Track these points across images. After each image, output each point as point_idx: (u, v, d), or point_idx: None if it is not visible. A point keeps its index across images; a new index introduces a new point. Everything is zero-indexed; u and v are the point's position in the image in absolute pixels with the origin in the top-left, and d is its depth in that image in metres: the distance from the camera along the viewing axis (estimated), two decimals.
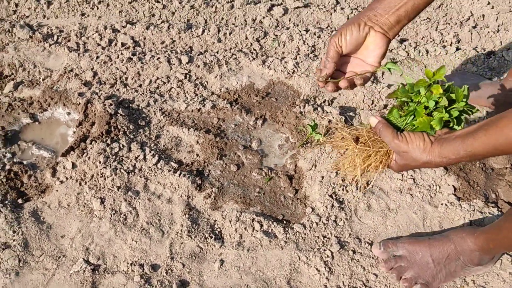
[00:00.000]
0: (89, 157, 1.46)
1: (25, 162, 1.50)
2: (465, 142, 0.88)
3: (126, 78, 1.71)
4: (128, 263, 1.31)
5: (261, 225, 1.36)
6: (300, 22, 1.94)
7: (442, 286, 1.26)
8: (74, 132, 1.58)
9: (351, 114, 1.62)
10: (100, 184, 1.44)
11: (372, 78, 1.70)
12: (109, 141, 1.49)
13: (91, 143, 1.49)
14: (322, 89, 1.65)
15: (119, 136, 1.52)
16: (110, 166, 1.45)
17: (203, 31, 1.85)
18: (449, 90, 0.99)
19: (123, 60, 1.73)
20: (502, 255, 1.30)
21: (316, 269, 1.28)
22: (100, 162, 1.45)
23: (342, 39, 1.05)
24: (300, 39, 1.84)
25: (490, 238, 1.16)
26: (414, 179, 1.44)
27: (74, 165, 1.46)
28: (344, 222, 1.38)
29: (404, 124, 1.01)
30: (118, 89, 1.68)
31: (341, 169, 1.14)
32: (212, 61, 1.76)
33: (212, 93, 1.70)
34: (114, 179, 1.44)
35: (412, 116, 1.00)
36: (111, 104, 1.57)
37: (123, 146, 1.49)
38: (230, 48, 1.83)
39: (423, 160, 0.93)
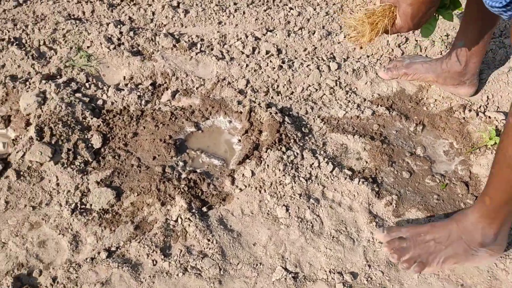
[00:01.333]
0: (267, 165, 1.47)
1: (198, 171, 1.52)
2: None
3: (278, 86, 1.73)
4: (325, 271, 1.32)
5: None
6: (437, 28, 1.95)
7: (443, 268, 1.26)
8: (240, 140, 1.59)
9: None
10: (280, 192, 1.45)
11: None
12: (284, 149, 1.50)
13: (266, 151, 1.50)
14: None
15: (290, 144, 1.53)
16: (289, 174, 1.46)
17: (344, 37, 1.86)
18: None
19: (273, 68, 1.74)
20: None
21: None
22: (279, 170, 1.46)
23: None
24: (441, 45, 1.85)
25: (484, 193, 1.16)
26: None
27: (253, 173, 1.47)
28: None
29: None
30: (272, 97, 1.70)
31: (350, 30, 1.34)
32: (359, 68, 1.77)
33: (365, 99, 1.71)
34: (294, 187, 1.45)
35: None
36: (276, 112, 1.58)
37: (297, 153, 1.51)
38: (372, 54, 1.84)
39: None
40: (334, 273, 1.31)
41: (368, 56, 1.83)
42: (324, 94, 1.71)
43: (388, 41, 1.86)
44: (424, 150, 1.58)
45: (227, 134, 1.63)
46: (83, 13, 1.93)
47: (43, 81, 1.64)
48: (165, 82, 1.72)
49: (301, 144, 1.54)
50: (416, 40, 1.86)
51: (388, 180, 1.50)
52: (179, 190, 1.44)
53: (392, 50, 1.85)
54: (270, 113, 1.58)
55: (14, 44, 1.77)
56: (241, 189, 1.46)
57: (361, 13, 1.31)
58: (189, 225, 1.38)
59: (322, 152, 1.54)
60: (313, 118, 1.63)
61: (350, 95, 1.71)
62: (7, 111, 1.63)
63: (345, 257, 1.34)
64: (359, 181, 1.46)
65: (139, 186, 1.45)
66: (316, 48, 1.85)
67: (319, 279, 1.31)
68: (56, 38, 1.82)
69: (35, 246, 1.33)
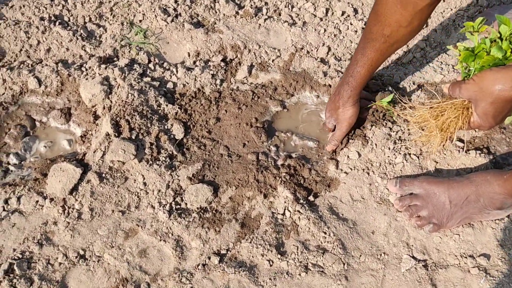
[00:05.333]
0: (375, 144, 1.33)
1: (293, 155, 1.37)
2: None
3: None
4: (455, 256, 1.22)
5: None
6: None
7: (456, 227, 1.22)
8: None
9: None
10: (390, 172, 1.32)
11: None
12: (390, 125, 1.35)
13: (370, 129, 1.35)
14: None
15: (394, 118, 1.38)
16: (399, 152, 1.32)
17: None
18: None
19: (355, 31, 1.55)
20: None
21: None
22: (389, 149, 1.32)
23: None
24: None
25: None
26: None
27: (359, 154, 1.33)
28: None
29: (473, 73, 1.01)
30: None
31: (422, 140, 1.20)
32: (448, 24, 1.59)
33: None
34: (405, 165, 1.32)
35: (477, 64, 1.00)
36: (374, 84, 1.42)
37: (404, 128, 1.36)
38: (456, 7, 1.66)
39: (496, 89, 0.91)
40: (465, 257, 1.21)
41: (451, 9, 1.65)
42: (415, 56, 1.54)
43: None
44: None
45: (314, 111, 1.47)
46: None
47: (102, 66, 1.44)
48: (236, 56, 1.53)
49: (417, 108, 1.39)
50: None
51: (501, 148, 1.38)
52: (280, 179, 1.29)
53: (477, 1, 1.66)
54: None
55: (57, 23, 1.54)
56: (346, 173, 1.33)
57: (424, 110, 1.09)
58: (299, 218, 1.25)
59: None
60: (409, 85, 1.47)
61: (441, 56, 1.55)
62: (65, 103, 1.44)
63: (476, 239, 1.24)
64: (475, 153, 1.33)
65: (235, 178, 1.31)
66: None
67: (451, 265, 1.20)
68: (103, 13, 1.59)
69: (136, 257, 1.19)
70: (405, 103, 1.24)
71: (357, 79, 1.21)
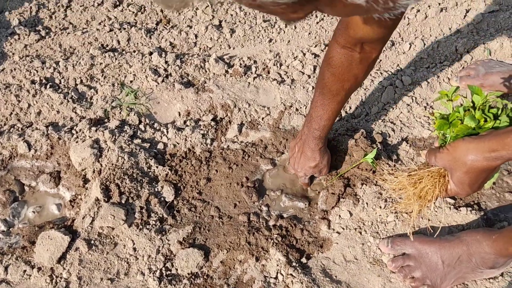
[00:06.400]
0: (367, 203, 1.33)
1: (285, 215, 1.36)
2: None
3: (350, 108, 1.58)
4: None
5: None
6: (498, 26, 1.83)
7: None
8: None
9: None
10: (382, 231, 1.31)
11: None
12: (379, 183, 1.36)
13: (361, 187, 1.35)
14: None
15: (385, 176, 1.38)
16: (391, 212, 1.32)
17: (393, 44, 1.72)
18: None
19: None
20: None
21: None
22: (380, 207, 1.32)
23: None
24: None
25: (510, 242, 1.11)
26: None
27: (351, 214, 1.33)
28: None
29: (448, 140, 1.03)
30: (347, 120, 1.55)
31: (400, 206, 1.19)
32: (433, 79, 1.63)
33: None
34: (397, 224, 1.31)
35: (452, 131, 1.02)
36: (362, 141, 1.43)
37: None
38: (441, 62, 1.70)
39: (469, 159, 0.92)
40: None
41: (436, 64, 1.70)
42: (402, 112, 1.57)
43: (456, 46, 1.72)
44: None
45: None
46: (118, 42, 1.72)
47: (93, 128, 1.44)
48: (227, 115, 1.55)
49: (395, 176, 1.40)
50: (484, 43, 1.74)
51: (492, 204, 1.38)
52: (272, 241, 1.28)
53: (461, 55, 1.72)
54: (355, 140, 1.43)
55: (48, 86, 1.56)
56: (338, 232, 1.32)
57: (402, 177, 1.11)
58: (292, 281, 1.22)
59: None
60: (398, 142, 1.49)
61: (428, 111, 1.58)
62: (55, 166, 1.43)
63: None
64: (466, 210, 1.33)
65: (227, 241, 1.29)
66: (380, 60, 1.70)
67: None
68: (94, 75, 1.62)
69: None
70: (382, 169, 1.26)
71: (325, 131, 1.28)
